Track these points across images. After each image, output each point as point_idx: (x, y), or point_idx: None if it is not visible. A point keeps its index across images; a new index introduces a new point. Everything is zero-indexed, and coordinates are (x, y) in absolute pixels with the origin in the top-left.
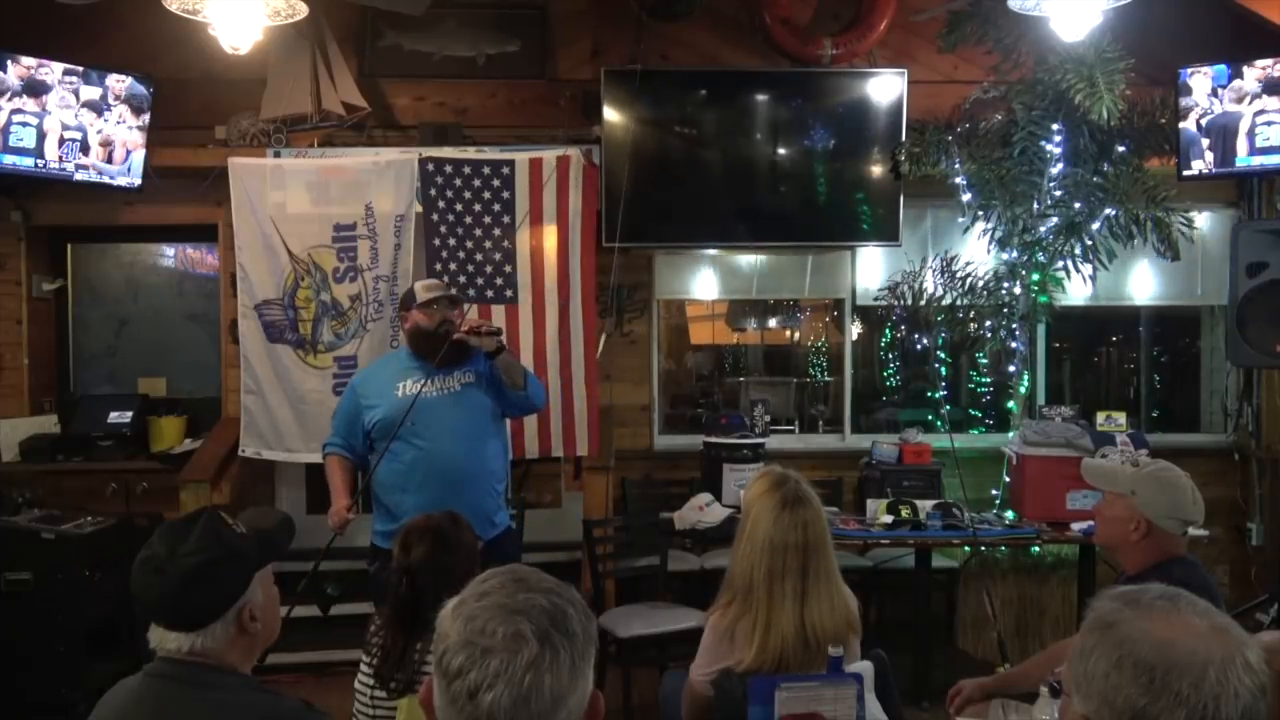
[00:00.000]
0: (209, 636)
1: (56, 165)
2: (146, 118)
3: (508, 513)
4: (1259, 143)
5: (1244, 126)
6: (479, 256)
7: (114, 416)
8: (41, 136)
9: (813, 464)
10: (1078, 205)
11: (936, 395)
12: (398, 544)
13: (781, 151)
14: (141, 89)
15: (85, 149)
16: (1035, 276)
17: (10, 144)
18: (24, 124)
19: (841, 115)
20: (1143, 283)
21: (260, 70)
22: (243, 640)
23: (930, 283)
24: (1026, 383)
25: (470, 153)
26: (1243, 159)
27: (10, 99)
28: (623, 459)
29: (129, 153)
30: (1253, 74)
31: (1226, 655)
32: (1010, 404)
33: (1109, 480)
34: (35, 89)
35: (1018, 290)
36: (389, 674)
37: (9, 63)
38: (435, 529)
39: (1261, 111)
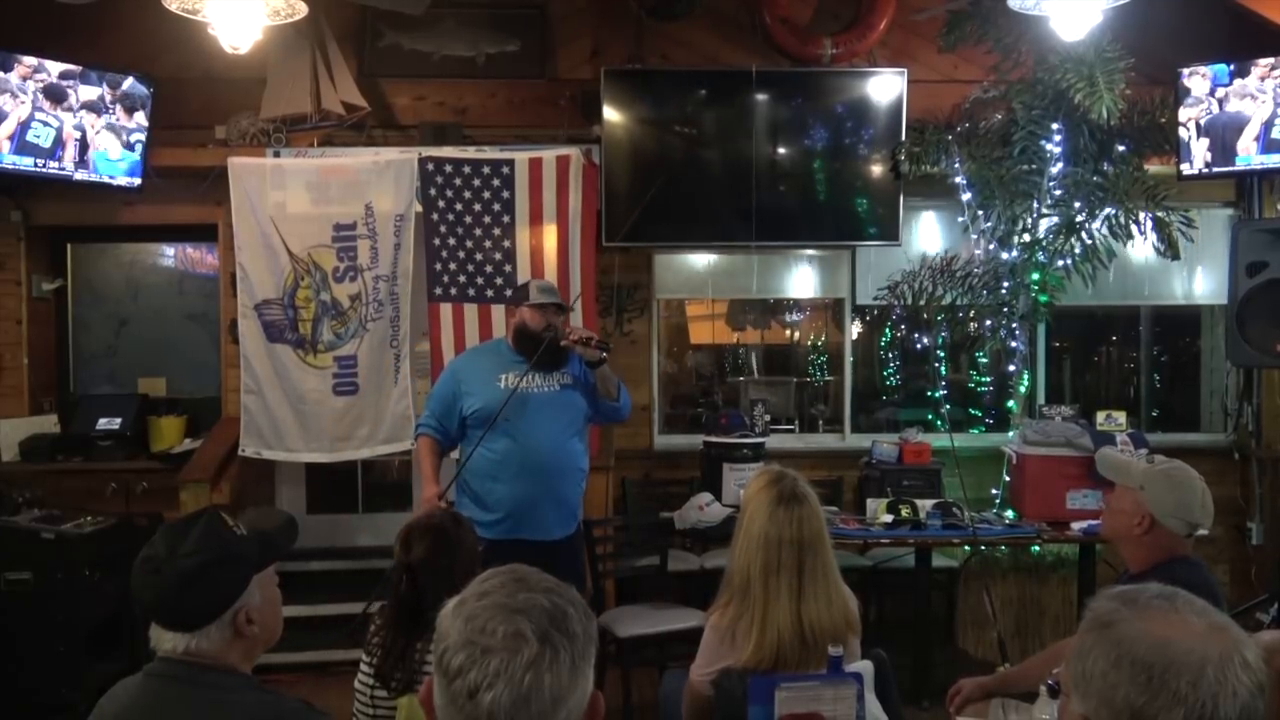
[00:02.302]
0: (204, 638)
1: (57, 165)
2: (146, 118)
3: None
4: (1257, 142)
5: (1242, 126)
6: (479, 256)
7: (103, 423)
8: (60, 141)
9: (813, 463)
10: (1078, 205)
11: (937, 395)
12: (399, 542)
13: (781, 151)
14: (141, 89)
15: (85, 149)
16: (1035, 276)
17: (18, 145)
18: (45, 123)
19: (841, 115)
20: (1143, 283)
21: (260, 70)
22: (240, 642)
23: (930, 283)
24: (1026, 382)
25: (470, 152)
26: (1242, 158)
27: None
28: (622, 459)
29: (129, 153)
30: (1255, 73)
31: (1224, 654)
32: (1011, 404)
33: (1121, 472)
34: (55, 94)
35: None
36: (389, 672)
37: (14, 64)
38: (437, 528)
39: (1259, 110)
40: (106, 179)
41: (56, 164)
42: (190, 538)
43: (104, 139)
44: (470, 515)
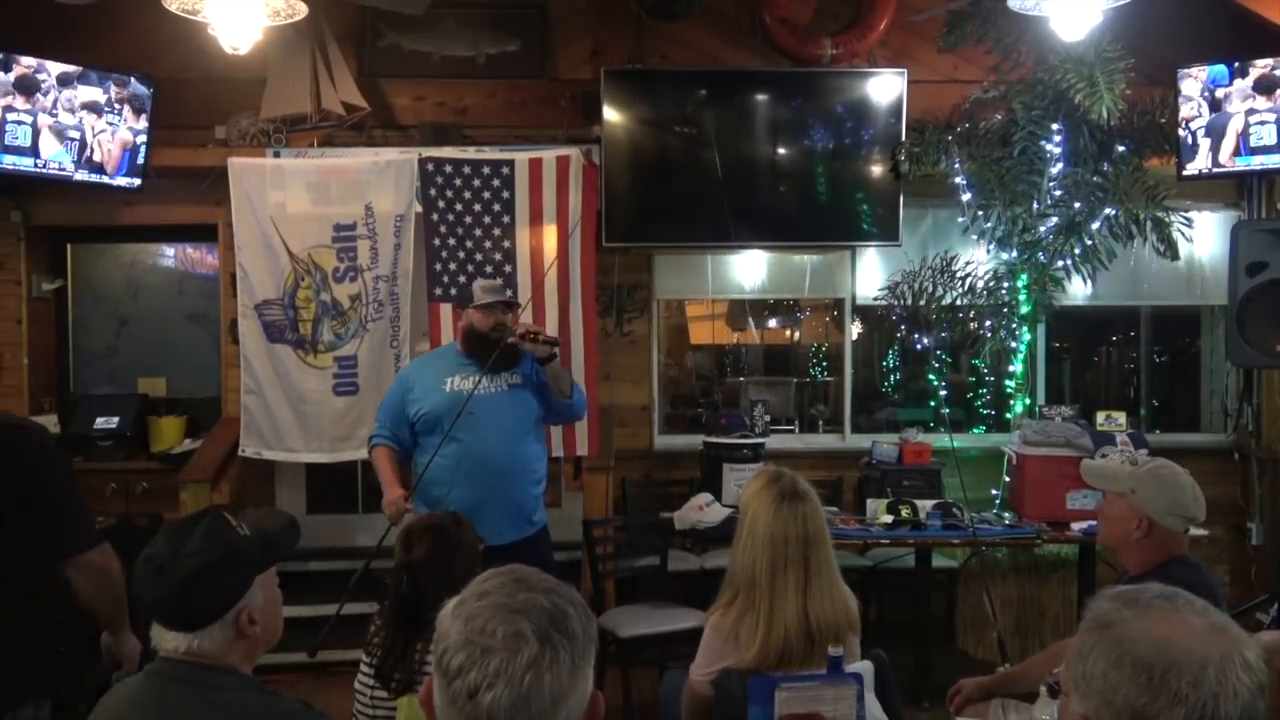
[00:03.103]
0: (206, 638)
1: (56, 165)
2: (147, 118)
3: (544, 513)
4: (1255, 142)
5: (1242, 126)
6: (479, 256)
7: (100, 422)
8: (35, 134)
9: (813, 464)
10: (1077, 205)
11: (937, 395)
12: (399, 541)
13: (781, 151)
14: (141, 89)
15: (85, 149)
16: (1022, 279)
17: (6, 143)
18: (18, 122)
19: (841, 115)
20: (1143, 283)
21: (260, 70)
22: (241, 642)
23: (930, 283)
24: (1025, 401)
25: (470, 153)
26: (1243, 158)
27: (3, 98)
28: (623, 459)
29: (129, 153)
30: (1254, 73)
31: (1225, 654)
32: (1015, 404)
33: (1108, 479)
34: (27, 87)
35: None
36: (389, 671)
37: (12, 64)
38: (437, 527)
39: (1254, 111)
40: (106, 179)
41: (55, 163)
42: (193, 537)
43: (103, 139)
44: None
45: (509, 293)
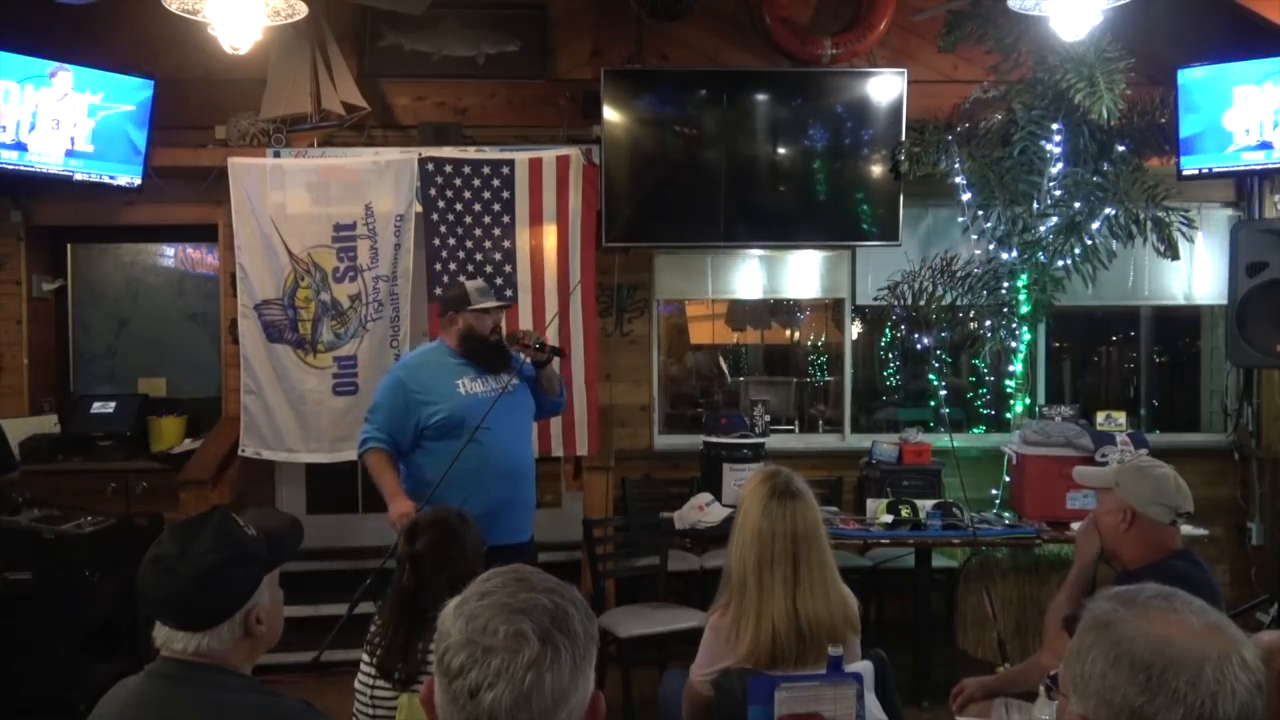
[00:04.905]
0: (215, 638)
1: (56, 165)
2: (147, 118)
3: None
4: (1256, 142)
5: (1242, 125)
6: (479, 256)
7: (100, 422)
8: (35, 134)
9: (813, 464)
10: (1077, 205)
11: (937, 395)
12: (403, 534)
13: (781, 151)
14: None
15: (85, 149)
16: (1022, 279)
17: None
18: (19, 121)
19: (841, 115)
20: (1143, 283)
21: (260, 70)
22: (247, 642)
23: (930, 283)
24: (1025, 401)
25: (470, 152)
26: (1242, 158)
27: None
28: (623, 459)
29: (128, 153)
30: (1254, 73)
31: (1223, 653)
32: (1015, 404)
33: (1098, 479)
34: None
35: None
36: (391, 665)
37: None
38: (442, 522)
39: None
40: (106, 179)
41: (55, 163)
42: (203, 537)
43: (103, 139)
44: None
45: (509, 293)
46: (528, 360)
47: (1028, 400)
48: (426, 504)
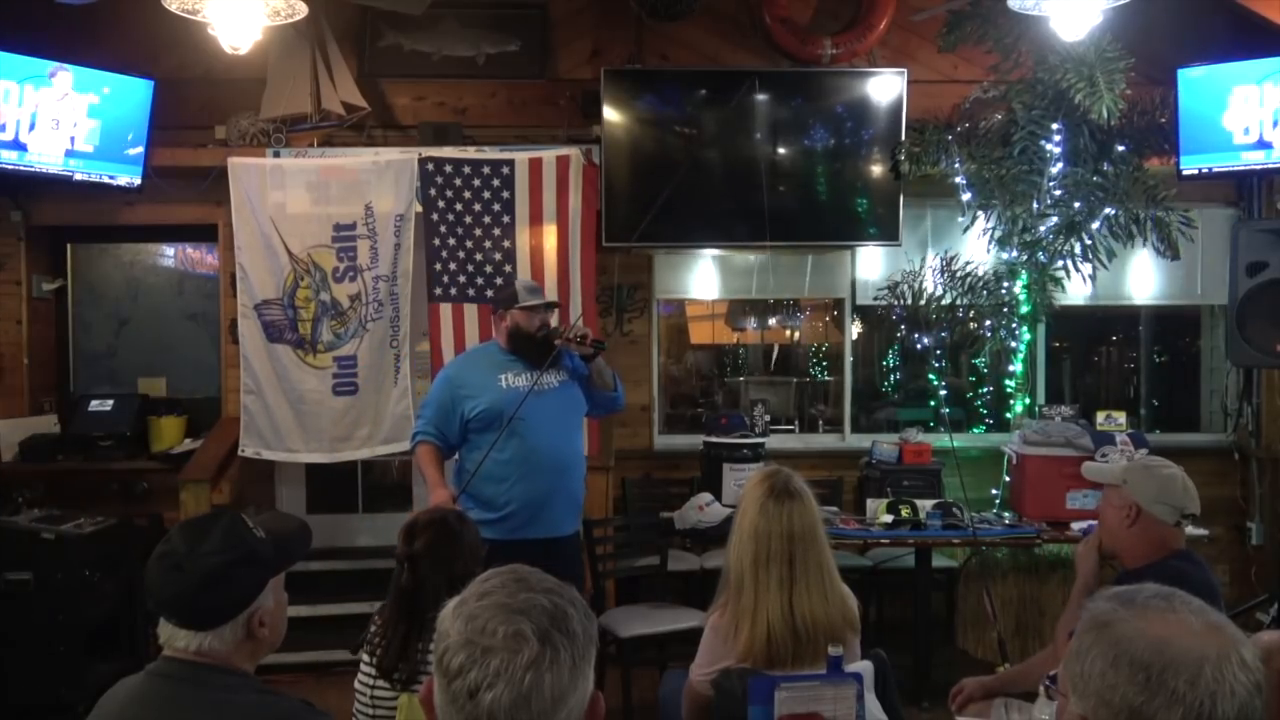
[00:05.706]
0: (217, 638)
1: (56, 165)
2: (147, 118)
3: None
4: (1255, 141)
5: (1242, 125)
6: (479, 256)
7: (100, 422)
8: (36, 133)
9: (813, 464)
10: (1077, 205)
11: (937, 395)
12: (402, 534)
13: (781, 151)
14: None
15: (85, 149)
16: (1023, 279)
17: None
18: (19, 120)
19: (841, 115)
20: (1143, 283)
21: (260, 70)
22: (249, 644)
23: (930, 282)
24: (1025, 401)
25: (470, 152)
26: (1241, 158)
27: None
28: (623, 459)
29: (128, 153)
30: (1254, 72)
31: (1222, 653)
32: (1015, 404)
33: (1105, 475)
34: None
35: (1018, 289)
36: (391, 665)
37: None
38: (440, 521)
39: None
40: (106, 179)
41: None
42: (212, 537)
43: (103, 139)
44: (481, 518)
45: (552, 298)
46: (577, 355)
47: (1028, 400)
48: (463, 493)
